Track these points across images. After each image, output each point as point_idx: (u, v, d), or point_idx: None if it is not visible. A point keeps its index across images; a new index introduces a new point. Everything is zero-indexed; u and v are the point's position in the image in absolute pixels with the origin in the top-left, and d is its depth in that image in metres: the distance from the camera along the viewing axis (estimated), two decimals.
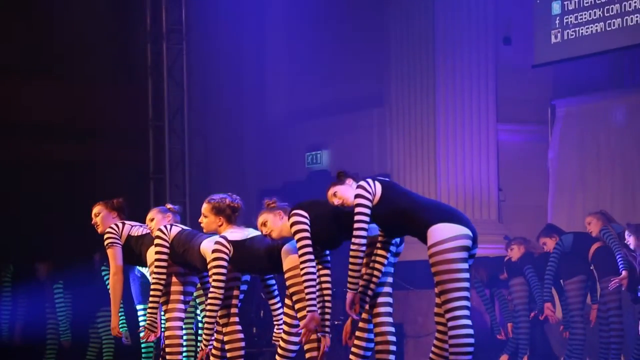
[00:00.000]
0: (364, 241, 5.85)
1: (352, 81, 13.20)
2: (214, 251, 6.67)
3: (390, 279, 6.12)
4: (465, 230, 5.68)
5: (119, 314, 9.41)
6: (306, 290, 6.14)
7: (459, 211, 5.90)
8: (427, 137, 12.10)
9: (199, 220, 6.87)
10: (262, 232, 6.50)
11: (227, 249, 6.65)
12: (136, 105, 12.27)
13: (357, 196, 5.86)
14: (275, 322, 7.02)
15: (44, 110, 11.94)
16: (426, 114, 12.11)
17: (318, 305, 6.22)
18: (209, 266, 6.73)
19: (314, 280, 6.15)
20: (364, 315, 6.20)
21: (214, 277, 6.65)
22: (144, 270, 8.86)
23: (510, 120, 12.35)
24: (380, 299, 6.09)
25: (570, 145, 11.93)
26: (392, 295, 6.14)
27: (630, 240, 9.17)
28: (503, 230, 12.05)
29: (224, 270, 6.64)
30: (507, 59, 12.22)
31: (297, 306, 6.34)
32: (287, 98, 14.19)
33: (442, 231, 5.65)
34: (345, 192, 6.02)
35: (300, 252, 6.13)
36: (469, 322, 5.62)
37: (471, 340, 5.62)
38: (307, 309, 6.15)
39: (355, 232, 5.84)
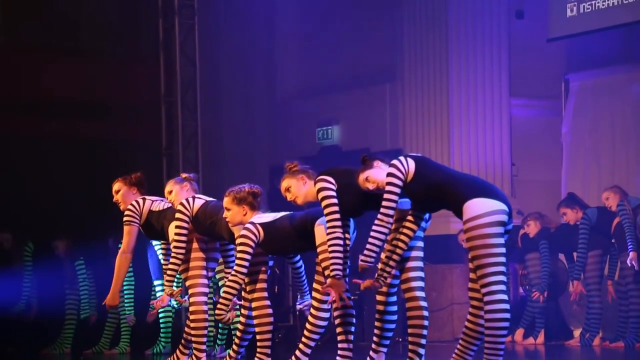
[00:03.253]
0: (390, 219, 5.83)
1: (364, 56, 13.14)
2: (240, 236, 6.63)
3: (422, 253, 6.11)
4: (501, 205, 5.67)
5: (129, 295, 9.44)
6: (331, 255, 6.12)
7: (494, 186, 5.89)
8: (440, 112, 12.06)
9: (223, 215, 6.81)
10: (286, 197, 6.47)
11: (255, 234, 6.60)
12: (148, 82, 12.21)
13: (389, 174, 5.83)
14: (300, 291, 6.99)
15: (56, 87, 11.89)
16: (439, 89, 12.07)
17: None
18: (235, 250, 6.71)
19: (341, 245, 6.13)
20: (384, 289, 6.18)
21: (238, 262, 6.62)
22: (157, 245, 8.87)
23: (524, 95, 12.31)
24: (412, 274, 6.07)
25: (584, 120, 11.90)
26: (424, 270, 6.12)
27: None
28: (516, 205, 12.02)
29: (248, 257, 6.61)
30: (520, 33, 12.17)
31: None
32: (297, 73, 14.13)
33: (478, 206, 5.63)
34: (377, 176, 5.98)
35: (328, 217, 6.11)
36: (505, 297, 5.61)
37: (507, 315, 5.62)
38: (333, 273, 6.12)
39: (383, 210, 5.82)
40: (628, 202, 9.81)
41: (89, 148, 11.90)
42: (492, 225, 5.60)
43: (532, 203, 11.64)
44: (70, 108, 11.96)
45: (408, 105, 12.39)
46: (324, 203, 6.14)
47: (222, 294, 6.76)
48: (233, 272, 6.66)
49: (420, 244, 6.07)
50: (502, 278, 5.62)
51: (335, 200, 6.12)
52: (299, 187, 6.42)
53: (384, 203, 5.81)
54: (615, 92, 11.63)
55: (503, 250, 5.64)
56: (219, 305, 6.78)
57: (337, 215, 6.12)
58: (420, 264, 6.04)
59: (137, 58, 12.34)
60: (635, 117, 11.43)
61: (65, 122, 11.94)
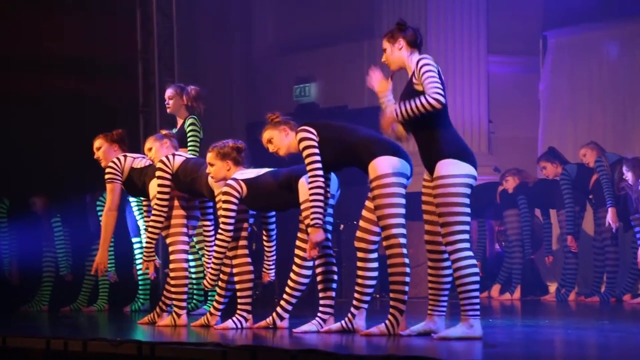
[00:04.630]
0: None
1: (342, 12, 13.09)
2: (223, 194, 6.63)
3: (403, 210, 6.13)
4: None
5: (109, 253, 9.43)
6: (312, 204, 6.14)
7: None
8: None
9: (207, 170, 6.80)
10: (268, 149, 6.49)
11: (238, 190, 6.61)
12: (124, 37, 12.09)
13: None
14: (266, 262, 7.03)
15: (30, 42, 11.76)
16: None
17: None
18: (218, 210, 6.71)
19: (322, 195, 6.15)
20: (365, 245, 6.19)
21: (223, 219, 6.63)
22: (133, 203, 8.86)
23: (501, 52, 12.33)
24: (394, 230, 6.07)
25: (562, 77, 11.93)
26: (405, 227, 6.15)
27: (628, 175, 9.30)
28: (493, 161, 12.10)
29: (232, 214, 6.62)
30: None
31: None
32: (275, 30, 14.07)
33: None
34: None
35: (309, 167, 6.15)
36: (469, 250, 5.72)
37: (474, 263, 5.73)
38: (312, 222, 6.15)
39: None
40: (606, 158, 9.88)
41: (65, 104, 11.79)
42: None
43: (509, 160, 11.70)
44: (46, 63, 11.82)
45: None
46: (305, 153, 6.16)
47: (213, 254, 6.77)
48: (219, 231, 6.67)
49: (402, 201, 6.08)
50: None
51: (316, 151, 6.15)
52: (281, 139, 6.46)
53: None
54: (592, 48, 11.66)
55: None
56: (212, 265, 6.79)
57: (319, 165, 6.15)
58: (402, 220, 6.05)
59: (112, 13, 12.20)
60: (612, 73, 11.47)
61: (41, 77, 11.82)
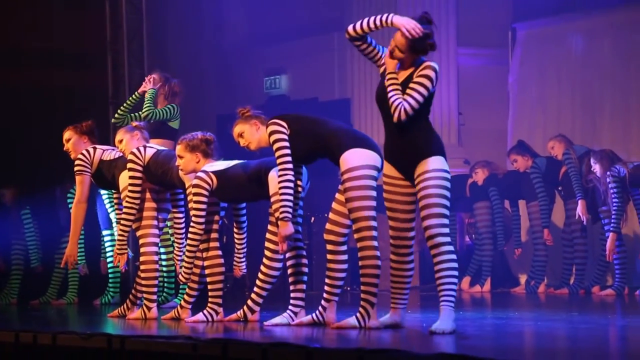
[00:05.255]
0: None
1: (313, 4, 13.08)
2: (194, 186, 6.61)
3: (374, 202, 6.14)
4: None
5: (80, 246, 9.41)
6: (281, 198, 6.14)
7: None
8: None
9: (176, 163, 6.79)
10: (239, 143, 6.49)
11: (208, 182, 6.60)
12: (94, 30, 12.03)
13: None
14: (237, 255, 7.03)
15: (1, 34, 11.70)
16: (387, 38, 12.03)
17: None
18: (189, 202, 6.70)
19: (291, 188, 6.15)
20: (334, 238, 6.19)
21: (194, 212, 6.62)
22: (105, 195, 8.83)
23: (471, 44, 12.37)
24: (364, 223, 6.08)
25: (531, 69, 11.98)
26: (376, 219, 6.16)
27: (596, 167, 9.36)
28: (463, 153, 12.14)
29: (204, 206, 6.61)
30: None
31: None
32: (245, 22, 14.03)
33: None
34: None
35: (279, 160, 6.16)
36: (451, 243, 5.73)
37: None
38: (281, 216, 6.15)
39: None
40: (573, 151, 9.95)
41: (35, 96, 11.74)
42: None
43: (479, 152, 11.75)
44: (15, 55, 11.77)
45: (356, 55, 12.35)
46: (275, 146, 6.16)
47: (186, 247, 6.76)
48: (191, 224, 6.65)
49: (373, 193, 6.08)
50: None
51: (286, 144, 6.15)
52: (252, 133, 6.46)
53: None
54: (561, 41, 11.72)
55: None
56: (185, 259, 6.78)
57: (289, 158, 6.15)
58: (373, 213, 6.05)
59: (82, 4, 12.13)
60: (581, 66, 11.53)
61: (10, 69, 11.76)
